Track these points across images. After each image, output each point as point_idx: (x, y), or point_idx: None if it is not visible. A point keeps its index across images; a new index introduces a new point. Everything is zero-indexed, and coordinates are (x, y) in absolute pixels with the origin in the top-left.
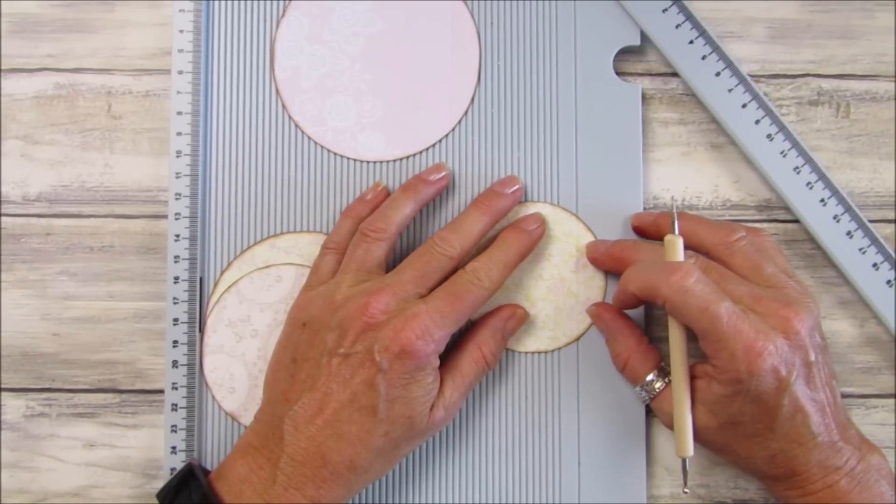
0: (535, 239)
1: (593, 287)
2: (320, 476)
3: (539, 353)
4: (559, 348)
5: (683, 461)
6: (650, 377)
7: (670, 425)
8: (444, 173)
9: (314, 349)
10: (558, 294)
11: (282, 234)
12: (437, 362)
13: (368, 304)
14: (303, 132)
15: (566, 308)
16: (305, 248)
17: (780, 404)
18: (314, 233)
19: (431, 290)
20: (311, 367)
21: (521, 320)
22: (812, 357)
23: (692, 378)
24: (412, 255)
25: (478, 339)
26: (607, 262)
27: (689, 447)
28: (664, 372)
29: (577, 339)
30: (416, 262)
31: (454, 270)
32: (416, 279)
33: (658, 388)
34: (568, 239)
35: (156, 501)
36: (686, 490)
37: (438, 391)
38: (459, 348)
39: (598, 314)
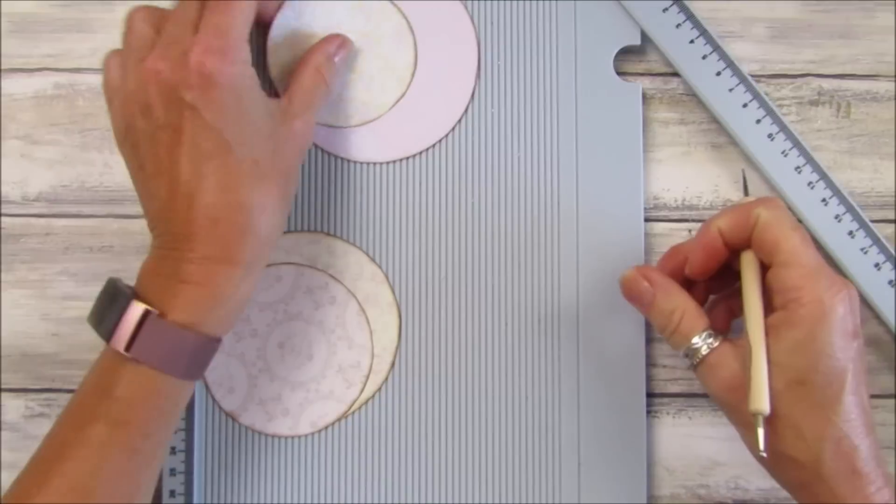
0: None
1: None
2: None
3: None
4: None
5: (758, 418)
6: (700, 337)
7: (720, 393)
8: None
9: (140, 136)
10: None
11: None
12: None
13: (146, 66)
14: None
15: None
16: (306, 247)
17: (847, 368)
18: (315, 233)
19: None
20: (146, 151)
21: (347, 46)
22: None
23: None
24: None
25: (315, 61)
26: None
27: (766, 402)
28: (715, 333)
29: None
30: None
31: None
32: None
33: (705, 351)
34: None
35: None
36: (763, 453)
37: (286, 101)
38: (296, 71)
39: (643, 276)
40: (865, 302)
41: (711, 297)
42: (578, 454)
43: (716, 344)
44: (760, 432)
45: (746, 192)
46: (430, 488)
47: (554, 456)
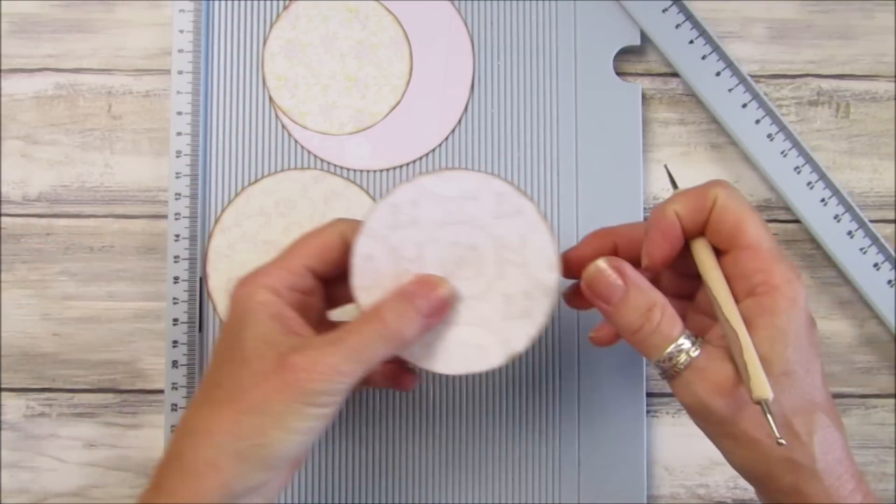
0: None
1: None
2: None
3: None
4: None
5: (764, 405)
6: (680, 341)
7: (711, 400)
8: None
9: None
10: None
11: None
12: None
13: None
14: (291, 136)
15: None
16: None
17: (817, 354)
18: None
19: None
20: None
21: (445, 311)
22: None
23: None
24: None
25: (395, 307)
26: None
27: (767, 386)
28: (694, 337)
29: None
30: None
31: None
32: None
33: (695, 353)
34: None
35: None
36: (781, 440)
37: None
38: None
39: (615, 269)
40: (865, 302)
41: None
42: (578, 454)
43: (698, 346)
44: (770, 419)
45: (675, 186)
46: (431, 488)
47: (554, 456)
